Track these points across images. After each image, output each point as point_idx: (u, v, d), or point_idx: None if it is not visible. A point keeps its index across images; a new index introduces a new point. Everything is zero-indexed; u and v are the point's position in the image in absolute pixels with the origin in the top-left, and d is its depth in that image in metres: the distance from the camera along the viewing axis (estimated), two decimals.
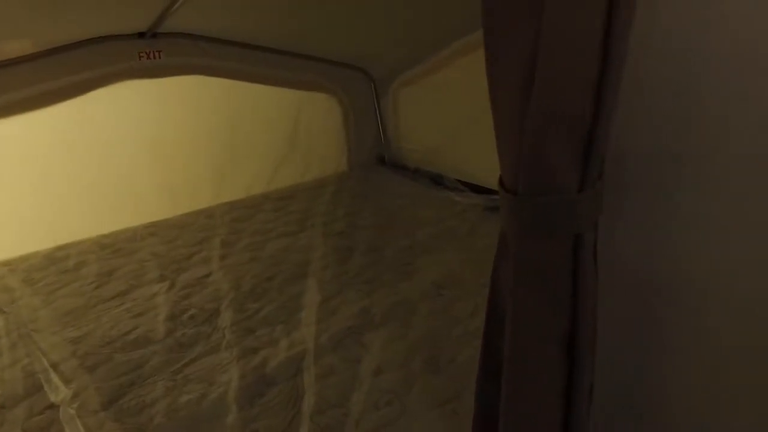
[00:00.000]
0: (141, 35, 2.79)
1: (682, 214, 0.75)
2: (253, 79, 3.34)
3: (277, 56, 3.32)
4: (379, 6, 2.54)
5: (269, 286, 2.24)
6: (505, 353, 0.80)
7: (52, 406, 1.58)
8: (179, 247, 2.77)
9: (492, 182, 0.82)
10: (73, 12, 2.16)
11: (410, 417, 1.38)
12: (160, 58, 2.87)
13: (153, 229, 3.03)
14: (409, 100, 3.74)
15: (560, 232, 0.71)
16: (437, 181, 3.45)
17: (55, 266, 2.59)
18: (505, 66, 0.68)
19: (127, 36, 2.77)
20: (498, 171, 0.75)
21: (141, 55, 2.82)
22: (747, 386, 0.75)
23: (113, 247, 2.79)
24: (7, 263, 2.64)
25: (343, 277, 2.26)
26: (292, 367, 1.66)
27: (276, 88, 3.49)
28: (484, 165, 0.63)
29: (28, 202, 2.77)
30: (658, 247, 0.78)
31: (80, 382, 1.68)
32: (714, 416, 0.80)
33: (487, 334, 0.87)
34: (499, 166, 0.75)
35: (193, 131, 3.30)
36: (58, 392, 1.64)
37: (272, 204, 3.38)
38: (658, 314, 0.81)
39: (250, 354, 1.75)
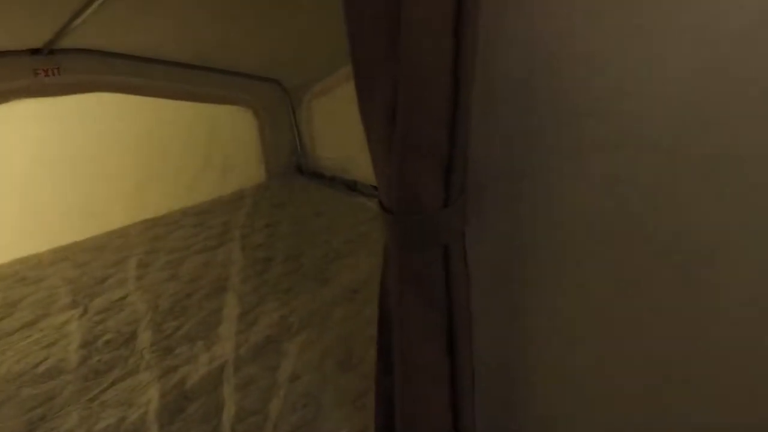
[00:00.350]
0: (36, 51, 2.68)
1: (531, 220, 0.88)
2: (164, 95, 3.28)
3: (189, 71, 3.29)
4: (290, 18, 2.59)
5: (188, 303, 2.24)
6: (395, 351, 0.90)
7: None
8: (92, 270, 2.68)
9: None
10: None
11: (325, 415, 1.46)
12: (58, 74, 2.77)
13: (63, 254, 2.91)
14: (324, 110, 3.81)
15: (431, 243, 0.82)
16: (352, 187, 3.55)
17: None
18: (372, 98, 0.78)
19: (20, 52, 2.65)
20: None
21: (38, 71, 2.70)
22: (600, 373, 0.86)
23: (16, 276, 2.66)
24: None
25: (262, 288, 2.30)
26: (212, 380, 1.69)
27: (189, 102, 3.44)
28: None
29: None
30: (517, 250, 0.91)
31: None
32: (575, 403, 0.92)
33: (380, 335, 0.97)
34: None
35: (103, 150, 3.20)
36: None
37: (191, 219, 3.34)
38: (519, 309, 0.93)
39: (171, 372, 1.76)
